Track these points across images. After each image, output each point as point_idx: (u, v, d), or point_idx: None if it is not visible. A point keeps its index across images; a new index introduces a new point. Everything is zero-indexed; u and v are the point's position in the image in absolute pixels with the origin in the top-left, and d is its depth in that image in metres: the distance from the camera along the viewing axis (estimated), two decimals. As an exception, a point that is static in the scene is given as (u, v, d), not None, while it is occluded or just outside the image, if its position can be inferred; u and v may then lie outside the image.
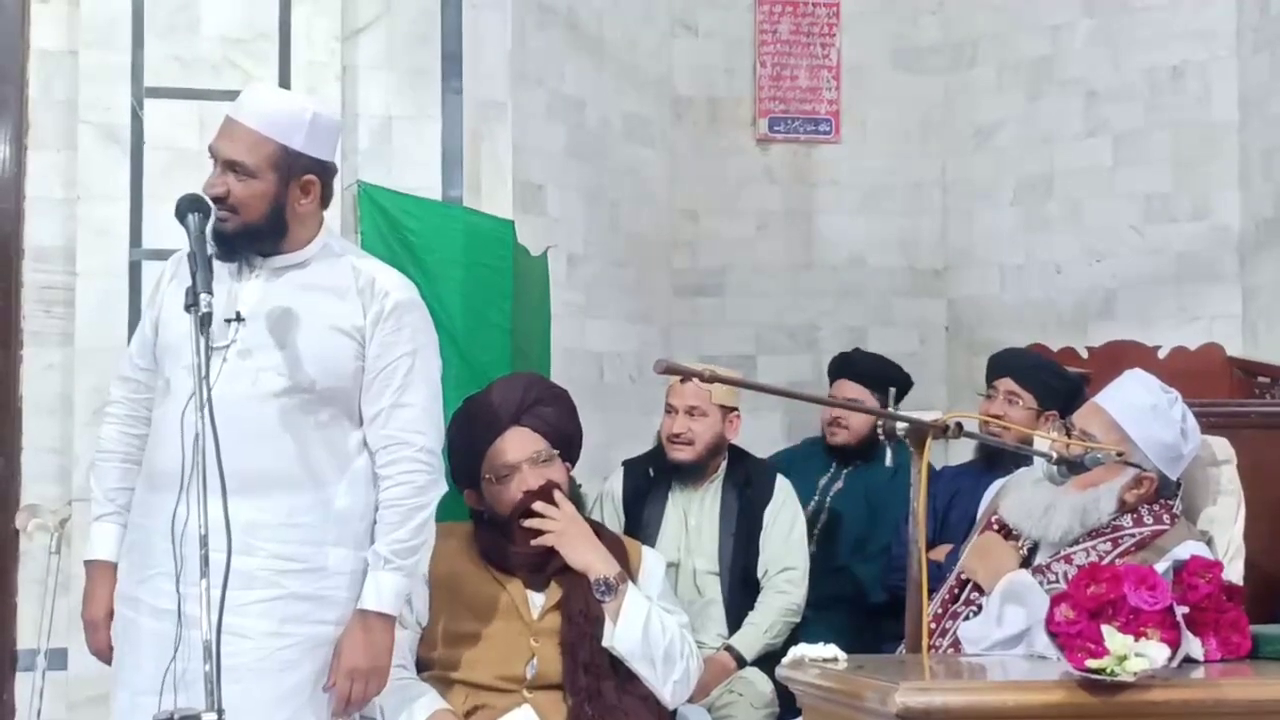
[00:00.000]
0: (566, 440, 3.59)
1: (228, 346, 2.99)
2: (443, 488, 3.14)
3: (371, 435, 3.08)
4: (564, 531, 3.43)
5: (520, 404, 3.54)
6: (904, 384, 4.63)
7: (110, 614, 3.09)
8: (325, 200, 3.14)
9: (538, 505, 3.43)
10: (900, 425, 2.91)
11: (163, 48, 4.11)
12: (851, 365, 4.79)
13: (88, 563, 3.17)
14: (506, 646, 3.38)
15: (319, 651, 3.02)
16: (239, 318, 2.98)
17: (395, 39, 4.31)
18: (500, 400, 3.56)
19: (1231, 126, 5.88)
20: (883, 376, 4.60)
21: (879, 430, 3.05)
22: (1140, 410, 3.15)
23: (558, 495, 3.46)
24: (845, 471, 4.65)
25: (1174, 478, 3.18)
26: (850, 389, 4.70)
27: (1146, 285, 6.04)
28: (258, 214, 3.01)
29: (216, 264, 3.05)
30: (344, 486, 3.05)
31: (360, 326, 3.05)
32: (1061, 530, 3.12)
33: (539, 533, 3.42)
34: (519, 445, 3.49)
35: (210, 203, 2.96)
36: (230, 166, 3.01)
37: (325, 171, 3.10)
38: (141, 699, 2.96)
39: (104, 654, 3.13)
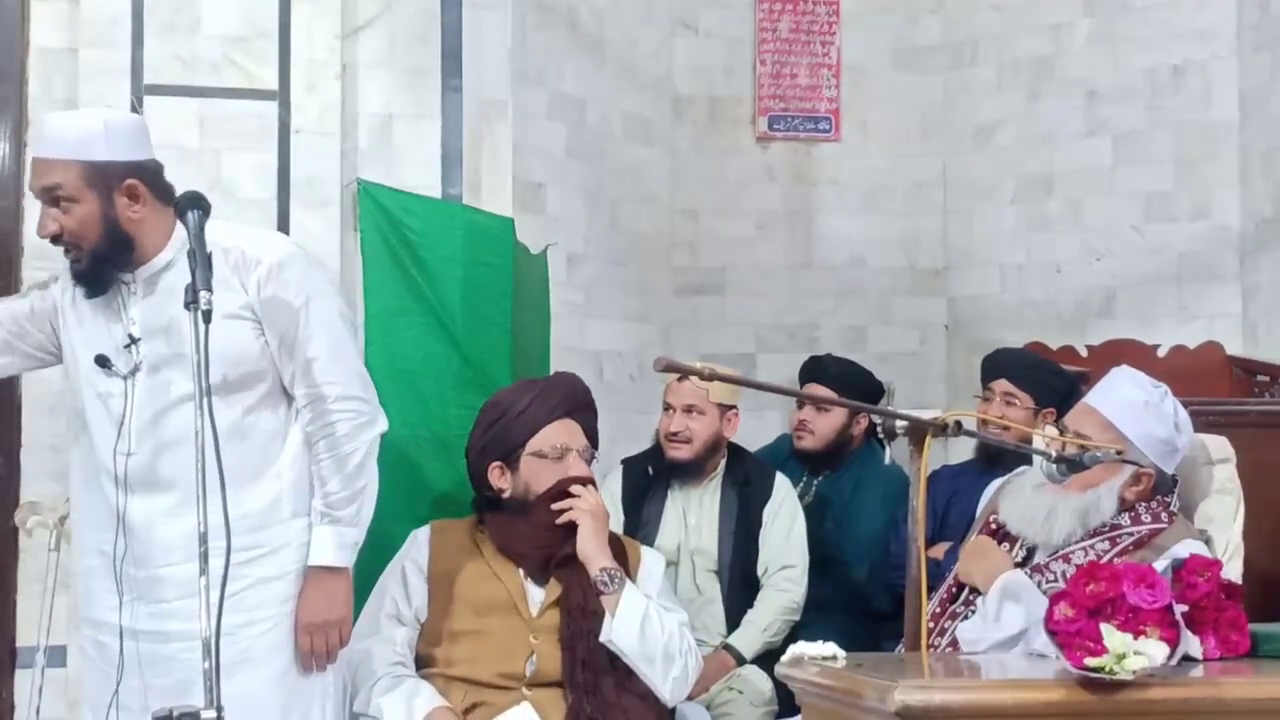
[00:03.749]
0: (594, 448, 3.66)
1: (135, 371, 3.00)
2: (379, 427, 3.14)
3: (295, 398, 3.09)
4: (594, 514, 3.45)
5: (579, 401, 3.63)
6: (875, 390, 4.61)
7: None
8: (163, 195, 3.06)
9: (575, 488, 3.47)
10: (900, 424, 2.91)
11: (163, 46, 4.11)
12: (822, 370, 4.72)
13: None
14: (505, 643, 3.39)
15: None
16: (134, 340, 2.98)
17: (395, 37, 4.31)
18: (563, 391, 3.64)
19: (1232, 126, 5.88)
20: (853, 382, 4.58)
21: (879, 430, 3.05)
22: (1134, 407, 3.15)
23: (590, 489, 3.52)
24: (815, 483, 4.59)
25: (1169, 471, 3.18)
26: (820, 393, 4.60)
27: (1146, 284, 6.03)
28: (96, 237, 2.98)
29: (94, 301, 3.04)
30: (287, 460, 3.07)
31: (247, 303, 3.03)
32: (1065, 534, 3.12)
33: (558, 516, 3.45)
34: (574, 434, 3.57)
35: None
36: (51, 199, 2.98)
37: (144, 171, 3.03)
38: (93, 713, 3.00)
39: None
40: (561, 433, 3.54)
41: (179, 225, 3.06)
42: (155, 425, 2.98)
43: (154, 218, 3.03)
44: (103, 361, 3.00)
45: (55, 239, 3.00)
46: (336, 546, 3.06)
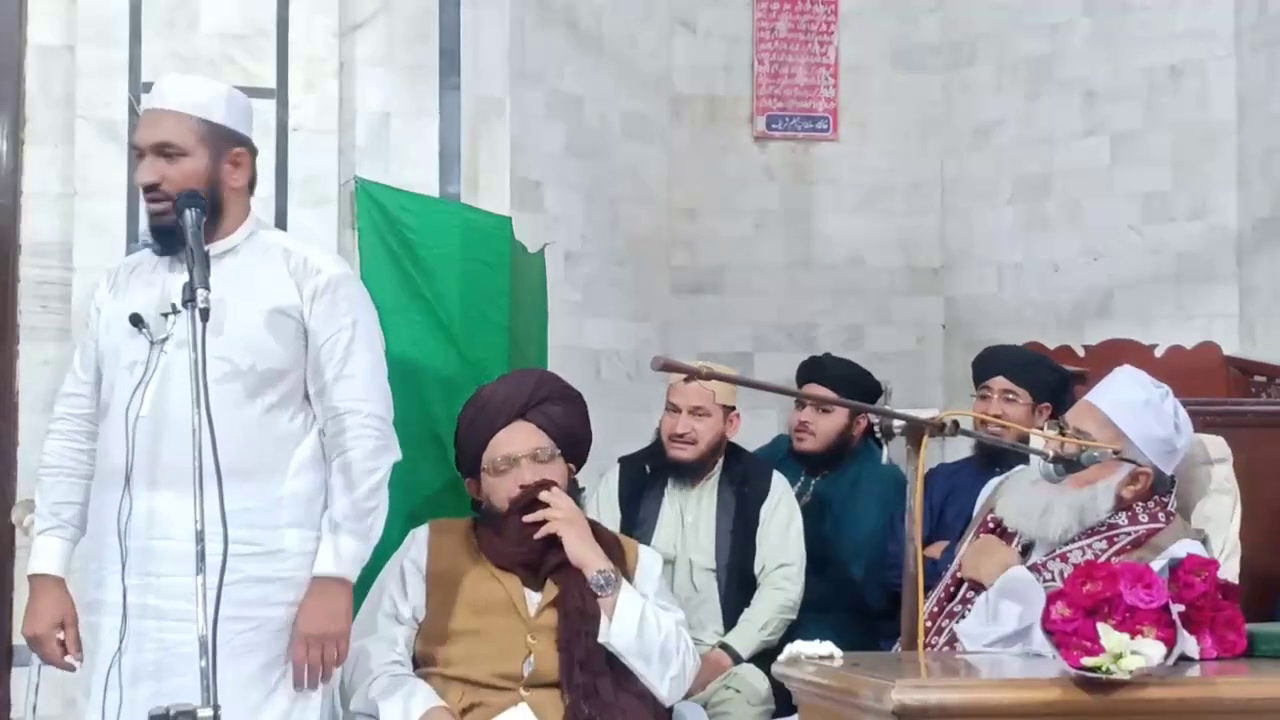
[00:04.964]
0: (572, 441, 3.59)
1: (165, 340, 2.99)
2: (395, 455, 3.14)
3: (319, 409, 3.09)
4: (570, 520, 3.43)
5: (528, 399, 3.55)
6: (873, 390, 4.60)
7: (57, 625, 3.07)
8: (249, 184, 3.13)
9: (544, 495, 3.42)
10: (898, 423, 2.91)
11: (161, 44, 4.10)
12: (821, 370, 4.70)
13: (32, 577, 3.14)
14: (503, 644, 3.38)
15: (285, 634, 3.02)
16: (175, 310, 2.97)
17: (394, 35, 4.30)
18: (509, 393, 3.57)
19: (1230, 126, 5.89)
20: (852, 382, 4.56)
21: (876, 429, 3.05)
22: (1133, 406, 3.16)
23: (555, 491, 3.45)
24: (814, 483, 4.56)
25: (1168, 472, 3.18)
26: (819, 394, 4.56)
27: (1145, 284, 6.04)
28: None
29: (148, 261, 3.10)
30: (294, 468, 3.05)
31: (297, 305, 3.06)
32: (1060, 529, 3.12)
33: (534, 529, 3.41)
34: (521, 439, 3.50)
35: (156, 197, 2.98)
36: (160, 151, 3.00)
37: (249, 148, 3.10)
38: (94, 694, 2.98)
39: (59, 663, 3.11)
40: (507, 442, 3.48)
41: (251, 216, 3.13)
42: (171, 400, 2.95)
43: (240, 198, 3.10)
44: (136, 321, 3.00)
45: (150, 189, 3.02)
46: (346, 559, 3.05)
